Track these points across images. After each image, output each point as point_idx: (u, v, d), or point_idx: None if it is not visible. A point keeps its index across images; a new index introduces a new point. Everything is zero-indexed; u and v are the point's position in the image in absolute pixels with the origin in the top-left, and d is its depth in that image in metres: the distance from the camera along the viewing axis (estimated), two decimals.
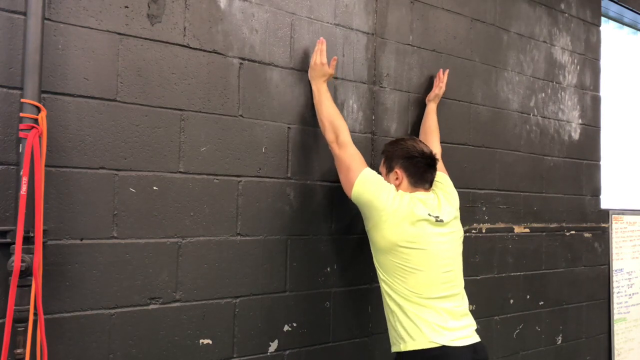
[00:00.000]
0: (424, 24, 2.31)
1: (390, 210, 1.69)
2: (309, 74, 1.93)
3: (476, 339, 1.73)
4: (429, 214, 1.74)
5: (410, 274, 1.68)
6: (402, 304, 1.69)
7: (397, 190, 1.78)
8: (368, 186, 1.74)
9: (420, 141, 1.90)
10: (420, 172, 1.81)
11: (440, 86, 2.26)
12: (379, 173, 1.86)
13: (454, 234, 1.81)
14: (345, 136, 1.83)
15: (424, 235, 1.70)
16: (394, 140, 1.93)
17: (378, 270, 1.78)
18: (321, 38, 1.92)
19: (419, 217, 1.71)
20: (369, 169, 1.80)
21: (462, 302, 1.77)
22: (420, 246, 1.69)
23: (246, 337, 1.79)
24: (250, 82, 1.82)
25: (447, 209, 1.82)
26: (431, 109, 2.24)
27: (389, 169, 1.85)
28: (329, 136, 1.84)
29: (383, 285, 1.76)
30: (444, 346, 1.63)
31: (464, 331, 1.70)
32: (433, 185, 1.87)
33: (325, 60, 1.88)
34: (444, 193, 1.88)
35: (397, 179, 1.81)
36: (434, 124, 2.20)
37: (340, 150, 1.82)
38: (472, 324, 1.77)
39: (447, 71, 2.29)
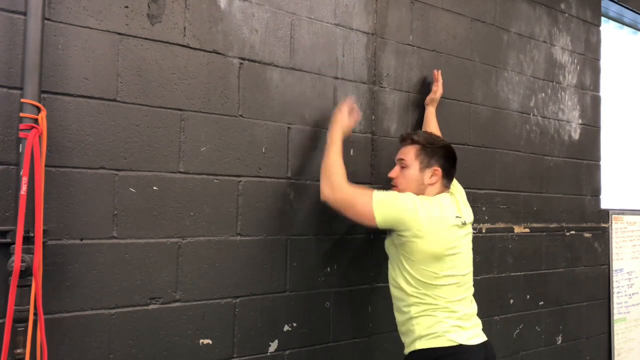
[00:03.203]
0: (424, 24, 2.31)
1: (426, 221, 1.66)
2: (331, 121, 1.86)
3: (484, 337, 1.75)
4: (457, 217, 1.74)
5: (442, 279, 1.68)
6: (423, 309, 1.68)
7: (422, 191, 1.76)
8: (390, 205, 1.68)
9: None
10: (452, 175, 1.82)
11: (436, 89, 2.24)
12: (402, 165, 1.82)
13: (470, 235, 1.83)
14: (340, 179, 1.72)
15: (457, 239, 1.71)
16: (430, 134, 1.87)
17: (401, 280, 1.73)
18: (350, 97, 1.91)
19: (452, 222, 1.71)
20: (377, 191, 1.73)
21: (473, 304, 1.80)
22: (455, 251, 1.70)
23: (246, 337, 1.79)
24: (250, 82, 1.82)
25: (465, 210, 1.84)
26: (430, 113, 2.23)
27: (427, 165, 1.78)
28: (323, 188, 1.74)
29: (403, 294, 1.73)
30: (461, 345, 1.65)
31: (475, 330, 1.74)
32: None
33: (346, 112, 1.83)
34: (458, 195, 1.89)
35: (432, 176, 1.78)
36: (435, 128, 2.19)
37: (336, 194, 1.71)
38: (480, 323, 1.79)
39: (439, 71, 2.26)
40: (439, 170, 1.78)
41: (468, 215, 1.83)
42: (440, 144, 1.82)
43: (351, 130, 1.89)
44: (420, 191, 1.78)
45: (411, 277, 1.71)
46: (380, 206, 1.68)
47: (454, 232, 1.71)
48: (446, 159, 1.80)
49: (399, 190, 1.81)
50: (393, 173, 1.86)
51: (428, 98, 2.25)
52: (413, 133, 1.87)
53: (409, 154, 1.81)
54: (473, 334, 1.71)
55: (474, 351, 1.67)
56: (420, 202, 1.69)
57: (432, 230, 1.67)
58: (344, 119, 1.82)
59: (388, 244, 1.82)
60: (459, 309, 1.71)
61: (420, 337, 1.69)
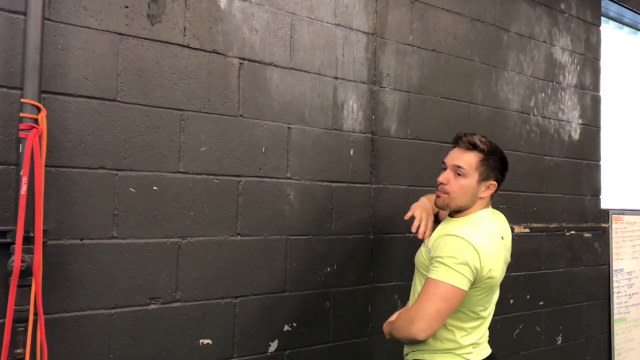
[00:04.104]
0: (424, 24, 2.31)
1: (487, 259, 1.52)
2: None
3: (490, 349, 1.72)
4: (502, 237, 1.63)
5: (475, 313, 1.62)
6: (446, 331, 1.61)
7: (469, 202, 1.62)
8: (460, 269, 1.48)
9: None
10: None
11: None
12: (456, 169, 1.61)
13: (509, 250, 1.72)
14: (411, 315, 1.52)
15: (503, 260, 1.62)
16: (490, 140, 1.65)
17: None
18: None
19: (500, 248, 1.60)
20: (433, 274, 1.51)
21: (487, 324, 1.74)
22: (496, 283, 1.61)
23: (246, 337, 1.79)
24: (250, 82, 1.82)
25: (504, 224, 1.73)
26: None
27: (486, 177, 1.61)
28: (416, 334, 1.50)
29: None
30: None
31: (485, 342, 1.71)
32: None
33: None
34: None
35: (487, 190, 1.62)
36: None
37: (424, 322, 1.48)
38: (487, 335, 1.74)
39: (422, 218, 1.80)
40: (494, 185, 1.62)
41: (507, 233, 1.71)
42: (500, 156, 1.64)
43: None
44: (470, 203, 1.62)
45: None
46: (456, 279, 1.48)
47: (502, 253, 1.61)
48: (502, 173, 1.64)
49: (448, 198, 1.62)
50: (444, 179, 1.62)
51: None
52: (474, 137, 1.62)
53: (470, 162, 1.60)
54: (483, 347, 1.68)
55: None
56: (472, 238, 1.51)
57: (493, 265, 1.54)
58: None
59: (423, 264, 1.64)
60: (479, 330, 1.65)
61: (435, 350, 1.61)
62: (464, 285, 1.49)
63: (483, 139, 1.63)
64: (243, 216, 1.79)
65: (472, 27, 2.49)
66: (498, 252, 1.58)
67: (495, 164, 1.62)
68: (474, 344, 1.63)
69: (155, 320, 1.62)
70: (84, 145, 1.52)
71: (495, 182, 1.62)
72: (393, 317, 1.64)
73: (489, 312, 1.69)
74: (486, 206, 1.65)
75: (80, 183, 1.51)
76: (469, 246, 1.49)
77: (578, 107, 2.96)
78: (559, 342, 2.82)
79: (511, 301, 2.59)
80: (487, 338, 1.73)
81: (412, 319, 1.49)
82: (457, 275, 1.48)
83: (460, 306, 1.55)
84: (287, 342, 1.88)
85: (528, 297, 2.67)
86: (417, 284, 1.66)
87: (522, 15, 2.70)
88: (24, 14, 1.42)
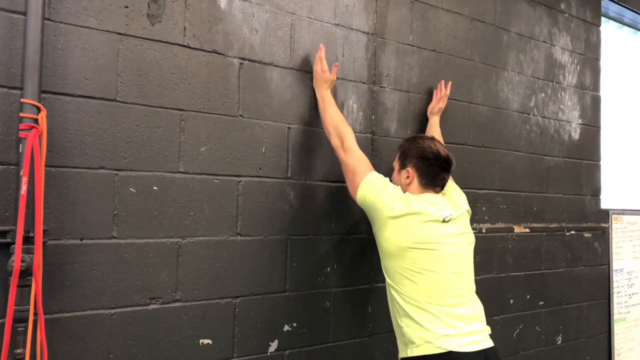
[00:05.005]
0: (424, 24, 2.31)
1: (396, 213, 1.68)
2: (313, 83, 1.94)
3: (489, 343, 1.69)
4: (438, 214, 1.71)
5: (418, 277, 1.65)
6: (409, 310, 1.66)
7: (405, 191, 1.77)
8: (372, 189, 1.75)
9: (438, 142, 1.84)
10: (432, 175, 1.78)
11: (443, 99, 2.25)
12: (392, 168, 1.89)
13: (464, 236, 1.78)
14: (351, 141, 1.83)
15: (432, 236, 1.67)
16: (411, 137, 1.91)
17: (385, 275, 1.77)
18: (321, 45, 1.92)
19: (427, 218, 1.68)
20: (374, 173, 1.80)
21: (474, 306, 1.73)
22: (428, 247, 1.66)
23: (246, 337, 1.79)
24: (250, 82, 1.82)
25: (454, 208, 1.79)
26: (435, 122, 2.22)
27: (402, 166, 1.83)
28: (335, 142, 1.85)
29: (390, 290, 1.74)
30: (450, 352, 1.59)
31: (474, 336, 1.66)
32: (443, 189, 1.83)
33: (325, 67, 1.89)
34: (453, 195, 1.86)
35: (408, 177, 1.79)
36: (439, 137, 2.13)
37: (346, 155, 1.82)
38: (484, 328, 1.72)
39: (449, 83, 2.28)
40: (411, 171, 1.79)
41: (456, 212, 1.77)
42: (415, 145, 1.81)
43: (334, 82, 1.94)
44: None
45: (387, 271, 1.75)
46: (366, 186, 1.76)
47: (427, 228, 1.68)
48: (420, 159, 1.77)
49: None
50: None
51: (434, 107, 2.25)
52: (404, 139, 1.92)
53: (395, 159, 1.90)
54: (470, 340, 1.63)
55: (466, 359, 1.59)
56: (399, 197, 1.73)
57: (397, 222, 1.68)
58: (327, 75, 1.90)
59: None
60: (448, 310, 1.64)
61: (409, 342, 1.66)
62: (370, 178, 1.76)
63: (408, 137, 1.95)
64: (243, 216, 1.79)
65: (472, 27, 2.49)
66: (416, 215, 1.68)
67: (408, 152, 1.82)
68: (446, 320, 1.63)
69: (155, 320, 1.62)
70: (84, 145, 1.52)
71: (410, 169, 1.79)
72: (341, 131, 1.84)
73: (439, 280, 1.66)
74: (422, 192, 1.77)
75: (80, 183, 1.51)
76: (395, 190, 1.74)
77: (578, 107, 2.96)
78: (559, 342, 2.82)
79: (511, 301, 2.59)
80: (481, 330, 1.69)
81: (342, 142, 1.82)
82: (377, 177, 1.77)
83: (396, 260, 1.69)
84: (287, 342, 1.88)
85: (528, 297, 2.67)
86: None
87: (522, 15, 2.70)
88: (24, 14, 1.42)
